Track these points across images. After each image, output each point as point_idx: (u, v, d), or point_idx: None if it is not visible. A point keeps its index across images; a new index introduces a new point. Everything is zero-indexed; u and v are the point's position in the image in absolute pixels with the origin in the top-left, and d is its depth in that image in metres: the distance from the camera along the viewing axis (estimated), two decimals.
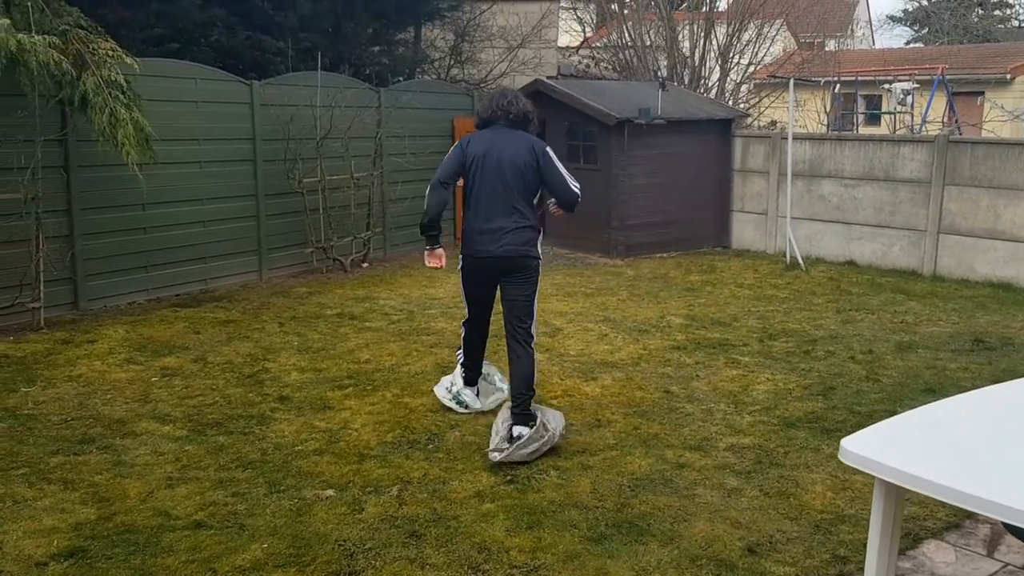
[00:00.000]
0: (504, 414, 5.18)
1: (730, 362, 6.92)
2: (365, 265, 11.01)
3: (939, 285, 10.07)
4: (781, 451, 5.15)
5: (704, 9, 16.60)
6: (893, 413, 5.79)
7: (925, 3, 39.29)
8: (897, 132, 16.94)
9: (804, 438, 5.33)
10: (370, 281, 10.02)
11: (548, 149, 5.23)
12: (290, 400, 5.83)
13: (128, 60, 7.31)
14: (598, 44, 16.91)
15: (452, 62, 14.27)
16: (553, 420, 5.15)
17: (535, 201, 5.28)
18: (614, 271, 10.97)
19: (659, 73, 15.29)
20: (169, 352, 6.91)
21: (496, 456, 4.84)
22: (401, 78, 13.14)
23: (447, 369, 6.38)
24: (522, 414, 5.08)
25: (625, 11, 17.36)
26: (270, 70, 10.23)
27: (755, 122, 18.09)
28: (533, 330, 5.23)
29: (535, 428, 4.96)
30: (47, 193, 7.74)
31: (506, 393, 5.49)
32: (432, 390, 5.82)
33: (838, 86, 19.31)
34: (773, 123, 20.60)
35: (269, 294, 9.21)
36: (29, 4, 7.44)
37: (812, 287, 10.00)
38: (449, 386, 5.71)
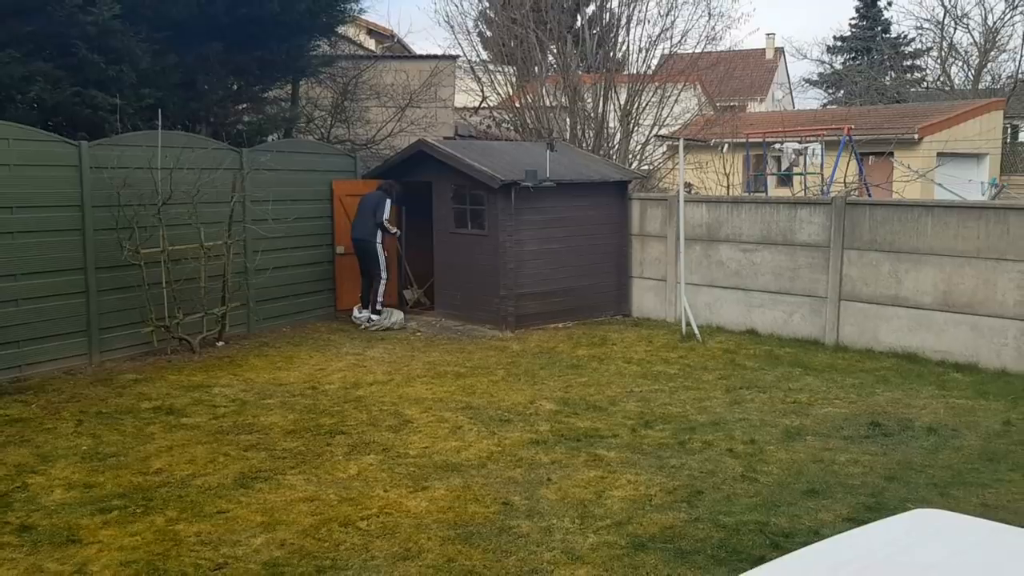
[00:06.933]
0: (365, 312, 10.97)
1: (591, 460, 5.99)
2: (220, 344, 9.88)
3: (841, 356, 9.35)
4: None
5: (605, 71, 16.03)
6: (764, 526, 4.90)
7: (839, 67, 39.99)
8: (797, 194, 16.55)
9: (653, 565, 4.37)
10: (216, 364, 8.90)
11: (388, 201, 10.93)
12: (32, 531, 4.68)
13: None
14: (495, 105, 16.20)
15: (333, 121, 13.36)
16: (395, 313, 11.01)
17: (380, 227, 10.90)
18: (499, 345, 10.03)
19: (555, 134, 14.61)
20: None
21: (372, 328, 10.66)
22: (274, 137, 12.18)
23: (254, 481, 5.43)
24: (375, 310, 10.82)
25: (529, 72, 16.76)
26: (106, 130, 9.16)
27: (669, 186, 17.54)
28: (383, 275, 10.89)
29: (382, 316, 10.81)
30: None
31: (388, 323, 10.84)
32: None
33: (747, 147, 18.96)
34: (689, 185, 20.12)
35: (89, 383, 8.03)
36: None
37: (705, 361, 9.19)
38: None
